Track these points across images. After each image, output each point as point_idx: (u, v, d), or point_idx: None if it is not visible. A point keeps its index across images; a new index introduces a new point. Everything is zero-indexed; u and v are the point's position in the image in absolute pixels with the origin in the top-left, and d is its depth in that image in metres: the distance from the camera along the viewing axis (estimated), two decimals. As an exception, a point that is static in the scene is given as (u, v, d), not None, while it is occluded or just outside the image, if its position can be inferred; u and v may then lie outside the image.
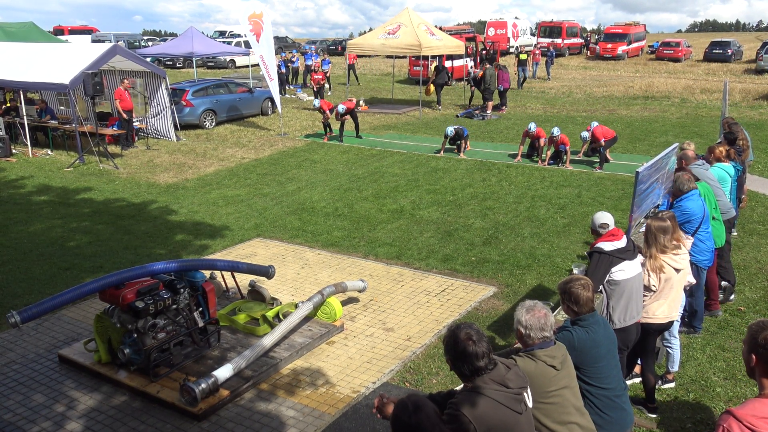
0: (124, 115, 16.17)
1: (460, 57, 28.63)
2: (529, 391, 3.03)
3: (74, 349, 6.29)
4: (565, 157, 13.98)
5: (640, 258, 4.82)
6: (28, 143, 16.04)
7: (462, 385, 3.07)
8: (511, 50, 41.89)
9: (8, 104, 18.11)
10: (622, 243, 4.67)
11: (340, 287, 7.04)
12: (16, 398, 5.64)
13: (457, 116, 21.09)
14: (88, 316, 7.05)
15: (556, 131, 13.78)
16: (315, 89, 23.64)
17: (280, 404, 5.50)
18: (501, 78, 21.85)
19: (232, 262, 7.06)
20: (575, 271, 7.48)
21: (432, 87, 23.43)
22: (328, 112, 17.27)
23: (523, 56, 29.05)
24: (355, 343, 6.55)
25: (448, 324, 6.84)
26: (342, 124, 17.27)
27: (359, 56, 30.02)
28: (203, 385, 5.30)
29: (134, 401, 5.57)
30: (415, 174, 13.55)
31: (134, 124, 17.23)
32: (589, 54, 43.29)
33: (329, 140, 17.27)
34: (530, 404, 3.03)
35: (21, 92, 16.19)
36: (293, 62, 30.11)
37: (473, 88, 22.55)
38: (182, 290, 5.93)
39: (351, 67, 29.31)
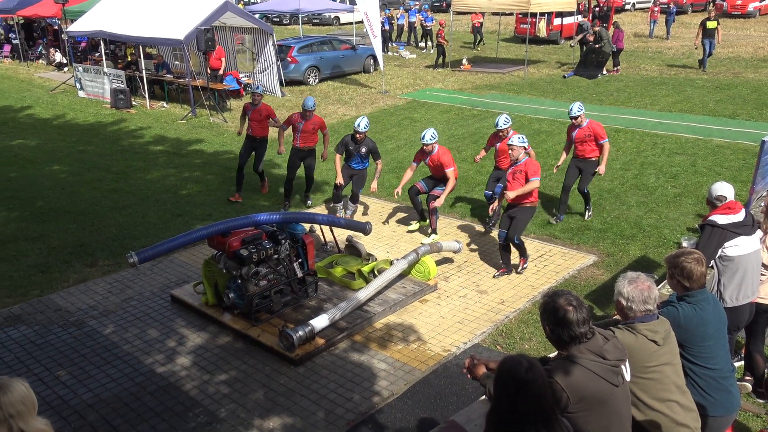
0: (217, 71, 16.46)
1: (570, 14, 27.25)
2: (627, 364, 2.94)
3: (184, 290, 6.75)
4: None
5: (759, 233, 4.49)
6: (146, 96, 17.03)
7: (555, 353, 3.02)
8: (627, 7, 39.35)
9: (129, 59, 19.27)
10: (739, 217, 4.36)
11: (435, 247, 7.06)
12: (134, 331, 6.15)
13: (564, 77, 20.23)
14: (198, 260, 7.50)
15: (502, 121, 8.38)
16: (439, 48, 22.62)
17: (372, 356, 5.66)
18: (616, 37, 20.66)
19: (331, 216, 7.25)
20: (684, 244, 7.10)
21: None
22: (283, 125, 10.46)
23: (711, 24, 20.68)
24: (447, 303, 6.59)
25: (543, 290, 6.73)
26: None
27: (463, 13, 28.06)
28: (300, 333, 5.54)
29: (237, 342, 5.93)
30: (516, 136, 13.17)
31: (242, 79, 17.82)
32: (715, 11, 39.86)
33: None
34: (628, 378, 2.94)
35: (140, 47, 17.14)
36: (398, 19, 29.74)
37: (589, 43, 20.78)
38: (283, 241, 6.18)
39: (477, 29, 27.42)
